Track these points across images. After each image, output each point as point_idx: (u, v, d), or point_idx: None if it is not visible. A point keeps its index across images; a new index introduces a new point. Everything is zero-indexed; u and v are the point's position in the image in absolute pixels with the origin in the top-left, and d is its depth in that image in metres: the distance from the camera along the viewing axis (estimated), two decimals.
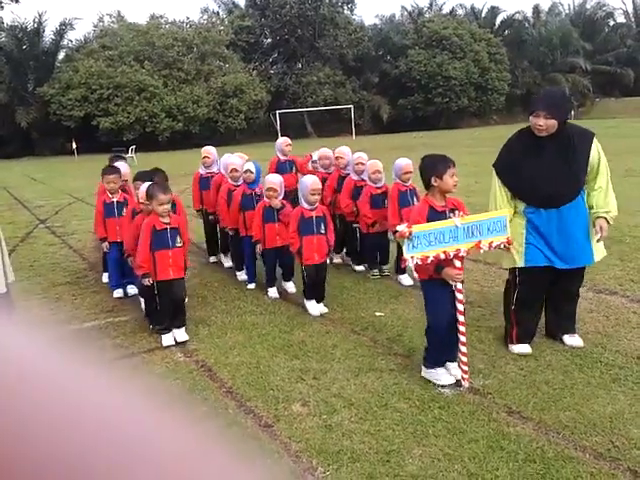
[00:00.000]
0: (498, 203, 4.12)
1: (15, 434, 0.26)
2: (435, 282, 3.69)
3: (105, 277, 6.57)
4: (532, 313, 4.23)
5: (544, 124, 3.91)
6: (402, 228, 3.46)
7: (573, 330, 4.30)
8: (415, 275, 4.30)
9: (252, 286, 6.18)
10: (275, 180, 5.69)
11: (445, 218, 3.67)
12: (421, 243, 3.47)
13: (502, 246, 3.84)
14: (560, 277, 4.12)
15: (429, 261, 3.51)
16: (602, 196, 4.02)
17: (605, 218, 3.99)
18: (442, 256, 3.54)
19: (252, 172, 6.07)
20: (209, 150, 7.34)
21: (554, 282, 4.16)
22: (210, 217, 6.99)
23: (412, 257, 3.46)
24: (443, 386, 3.70)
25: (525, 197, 4.10)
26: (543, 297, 4.28)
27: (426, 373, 3.82)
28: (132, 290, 6.00)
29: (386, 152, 18.97)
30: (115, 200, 5.97)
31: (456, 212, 3.66)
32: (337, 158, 6.79)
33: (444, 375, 3.76)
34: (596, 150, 4.01)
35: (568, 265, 4.06)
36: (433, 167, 3.75)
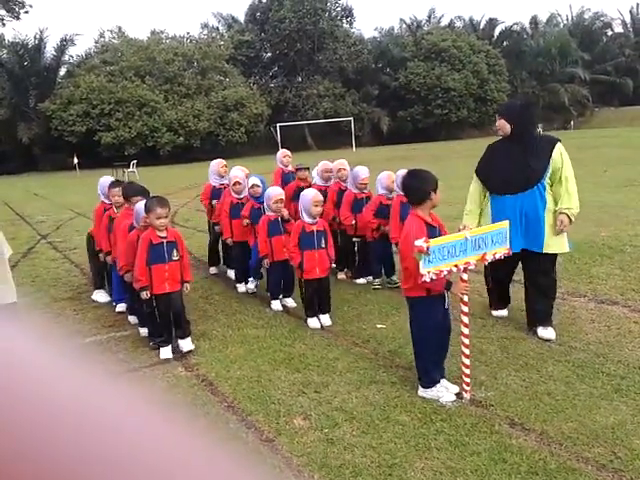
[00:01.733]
0: (470, 195, 5.00)
1: (19, 438, 0.27)
2: (430, 299, 3.69)
3: (95, 295, 6.55)
4: (504, 287, 5.13)
5: (498, 124, 4.84)
6: (420, 243, 3.43)
7: (547, 323, 4.70)
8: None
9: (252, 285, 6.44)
10: (281, 191, 5.83)
11: (436, 233, 3.71)
12: (436, 257, 3.46)
13: (503, 256, 3.88)
14: (526, 264, 4.82)
15: (442, 275, 3.52)
16: (565, 195, 4.62)
17: (567, 214, 4.59)
18: (454, 270, 3.56)
19: (259, 186, 6.15)
20: (238, 175, 6.53)
21: (525, 274, 4.91)
22: (216, 227, 6.96)
23: (428, 272, 3.45)
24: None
25: (490, 187, 4.88)
26: (511, 274, 5.06)
27: (425, 393, 3.77)
28: (121, 307, 6.00)
29: (387, 164, 19.02)
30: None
31: (464, 226, 3.73)
32: (338, 170, 6.82)
33: (445, 392, 3.74)
34: (559, 154, 4.65)
35: (527, 246, 4.69)
36: (432, 181, 3.80)
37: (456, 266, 3.57)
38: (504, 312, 5.17)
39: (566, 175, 4.62)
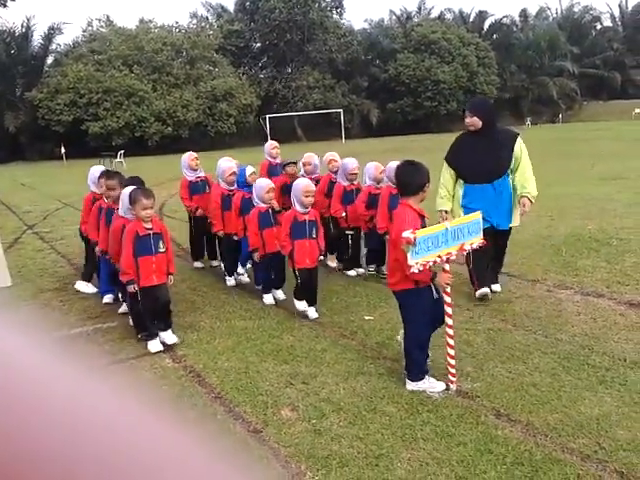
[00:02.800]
0: (443, 182, 5.55)
1: (9, 436, 0.26)
2: (419, 290, 3.71)
3: (79, 285, 6.53)
4: (484, 266, 5.45)
5: (470, 121, 5.40)
6: (408, 234, 3.44)
7: (497, 280, 5.72)
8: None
9: (242, 270, 6.52)
10: (271, 183, 5.75)
11: (426, 224, 3.73)
12: (422, 249, 3.48)
13: (479, 246, 3.98)
14: (495, 239, 5.27)
15: (428, 267, 3.54)
16: (525, 181, 5.36)
17: (528, 197, 5.32)
18: (438, 260, 3.59)
19: (256, 173, 6.20)
20: (232, 166, 6.39)
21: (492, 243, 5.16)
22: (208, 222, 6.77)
23: (417, 263, 3.47)
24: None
25: (467, 177, 5.45)
26: (490, 252, 5.33)
27: (415, 386, 3.75)
28: (108, 299, 5.98)
29: (376, 155, 19.02)
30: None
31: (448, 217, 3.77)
32: (330, 162, 6.79)
33: (435, 382, 3.75)
34: (519, 146, 5.41)
35: (500, 227, 5.39)
36: (426, 174, 3.84)
37: (439, 257, 3.60)
38: (487, 290, 5.44)
39: (524, 164, 5.39)
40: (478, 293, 5.40)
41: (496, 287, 5.64)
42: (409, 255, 3.46)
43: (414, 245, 3.43)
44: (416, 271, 3.48)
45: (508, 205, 5.43)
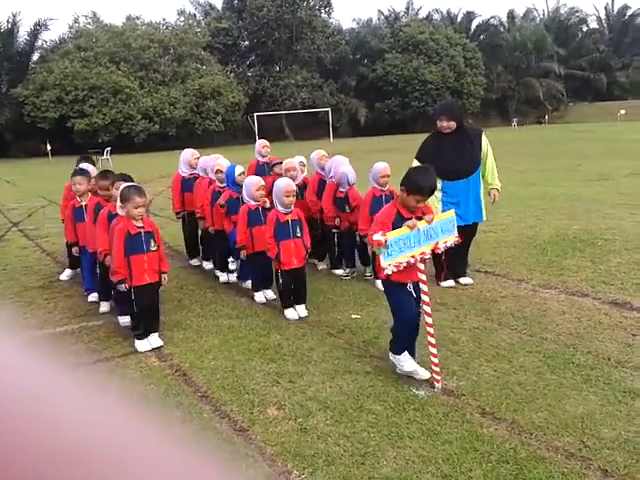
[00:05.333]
0: None
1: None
2: (392, 282, 3.77)
3: (64, 275, 6.81)
4: (455, 258, 5.68)
5: (447, 125, 5.73)
6: (378, 237, 3.47)
7: (465, 274, 5.97)
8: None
9: (233, 266, 6.44)
10: (261, 180, 5.71)
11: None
12: (394, 250, 3.52)
13: (454, 244, 4.03)
14: (465, 231, 5.33)
15: (402, 267, 3.60)
16: (492, 174, 5.90)
17: (497, 189, 5.91)
18: (412, 261, 3.64)
19: (244, 174, 6.09)
20: (222, 163, 6.43)
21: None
22: (199, 220, 6.72)
23: (389, 265, 3.51)
24: (419, 384, 3.73)
25: (447, 175, 5.59)
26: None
27: (393, 358, 3.89)
28: (93, 298, 5.92)
29: (364, 155, 19.06)
30: (84, 204, 5.83)
31: (426, 216, 3.80)
32: (322, 158, 6.75)
33: (409, 362, 3.82)
34: (485, 142, 5.85)
35: (474, 220, 5.83)
36: (427, 189, 3.84)
37: (413, 257, 3.65)
38: (452, 283, 5.85)
39: (491, 159, 5.89)
40: (445, 284, 5.80)
41: (467, 280, 5.89)
42: (381, 257, 3.54)
43: (386, 247, 3.47)
44: (389, 272, 3.57)
45: (479, 198, 5.85)
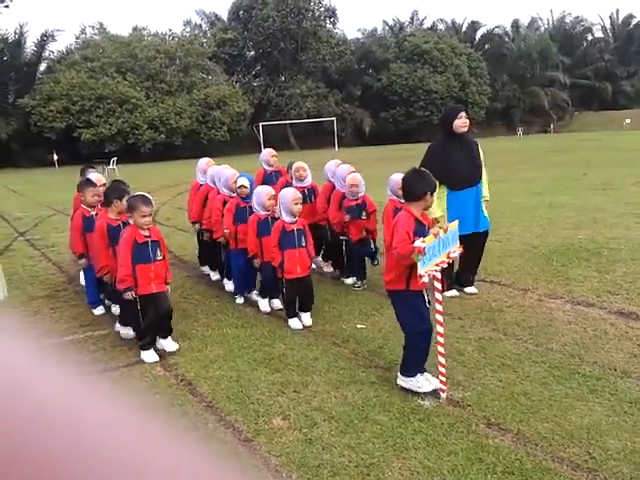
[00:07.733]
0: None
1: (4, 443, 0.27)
2: (410, 293, 3.75)
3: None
4: (466, 265, 5.77)
5: (466, 121, 5.63)
6: (419, 244, 3.45)
7: (473, 282, 5.95)
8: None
9: (241, 300, 6.07)
10: (272, 189, 5.71)
11: (425, 231, 3.77)
12: (428, 258, 3.51)
13: (458, 254, 4.05)
14: (472, 240, 5.40)
15: (432, 275, 3.60)
16: (486, 185, 5.86)
17: (487, 200, 5.88)
18: (437, 269, 3.64)
19: (246, 187, 5.94)
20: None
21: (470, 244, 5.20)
22: (206, 235, 6.62)
23: (426, 272, 3.51)
24: (424, 395, 3.72)
25: (452, 183, 5.58)
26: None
27: (405, 382, 3.82)
28: (99, 311, 5.90)
29: (369, 164, 19.09)
30: (94, 213, 5.71)
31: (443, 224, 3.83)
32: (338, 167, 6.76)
33: (425, 382, 3.78)
34: (481, 152, 5.86)
35: (481, 229, 5.75)
36: (431, 183, 3.87)
37: (437, 264, 3.64)
38: (455, 292, 5.83)
39: (485, 169, 5.86)
40: (449, 294, 5.69)
41: (472, 289, 5.88)
42: (419, 265, 3.46)
43: (424, 254, 3.45)
44: (427, 280, 3.55)
45: (481, 208, 5.80)
